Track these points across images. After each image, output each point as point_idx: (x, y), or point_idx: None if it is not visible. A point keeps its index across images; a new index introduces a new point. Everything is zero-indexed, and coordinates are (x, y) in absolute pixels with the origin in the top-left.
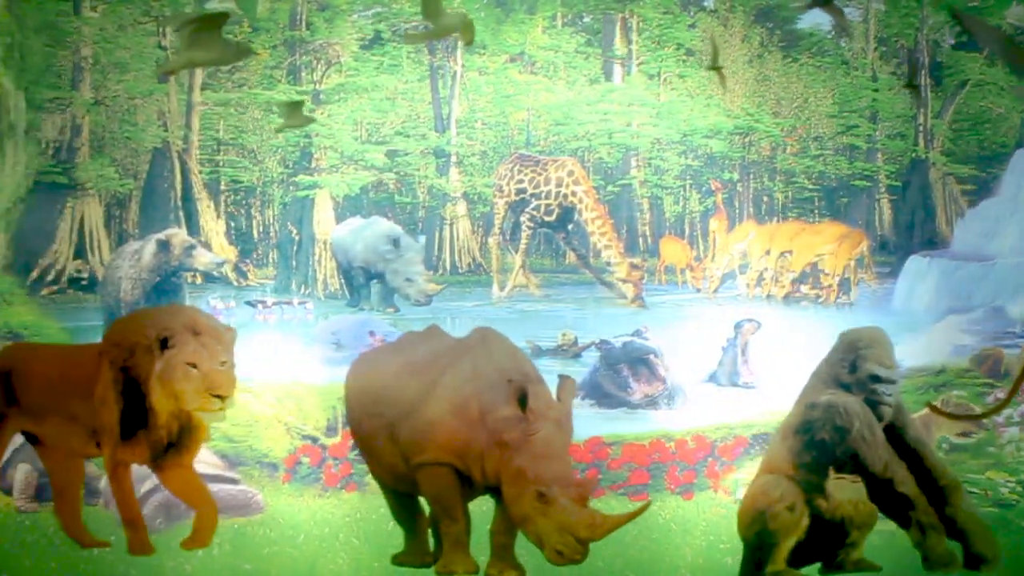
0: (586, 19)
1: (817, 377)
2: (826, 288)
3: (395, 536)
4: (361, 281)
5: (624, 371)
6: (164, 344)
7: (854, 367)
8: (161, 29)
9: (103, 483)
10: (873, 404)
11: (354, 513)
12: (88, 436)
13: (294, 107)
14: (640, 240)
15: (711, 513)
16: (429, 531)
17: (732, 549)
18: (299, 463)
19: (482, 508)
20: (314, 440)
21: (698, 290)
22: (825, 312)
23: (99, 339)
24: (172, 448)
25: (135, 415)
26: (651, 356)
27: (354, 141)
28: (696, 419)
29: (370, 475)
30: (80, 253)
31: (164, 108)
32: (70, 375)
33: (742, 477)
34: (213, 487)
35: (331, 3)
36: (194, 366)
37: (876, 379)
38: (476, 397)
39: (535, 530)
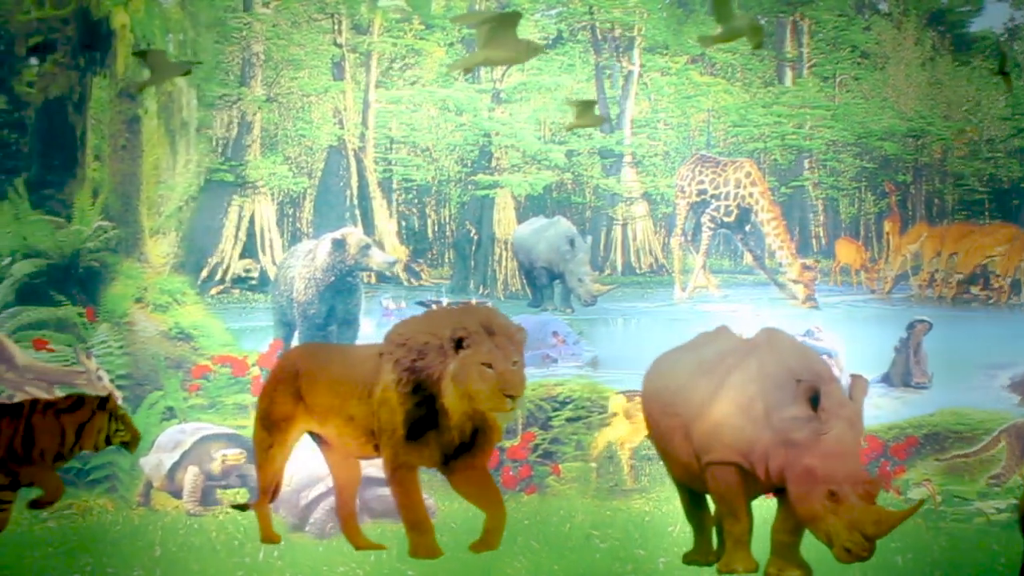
0: (760, 21)
1: None
2: (996, 289)
3: (572, 539)
4: (544, 281)
5: None
6: (459, 344)
7: None
8: (336, 26)
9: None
10: None
11: (534, 516)
12: (365, 438)
13: (587, 106)
14: (814, 241)
15: None
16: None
17: (902, 548)
18: None
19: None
20: None
21: (872, 291)
22: (996, 313)
23: (268, 340)
24: (464, 449)
25: (422, 416)
26: (824, 357)
27: (536, 140)
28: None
29: (551, 478)
30: (249, 252)
31: (339, 106)
32: (349, 376)
33: (913, 477)
34: (377, 491)
35: (512, 2)
36: (489, 366)
37: None
38: (761, 396)
39: (824, 528)
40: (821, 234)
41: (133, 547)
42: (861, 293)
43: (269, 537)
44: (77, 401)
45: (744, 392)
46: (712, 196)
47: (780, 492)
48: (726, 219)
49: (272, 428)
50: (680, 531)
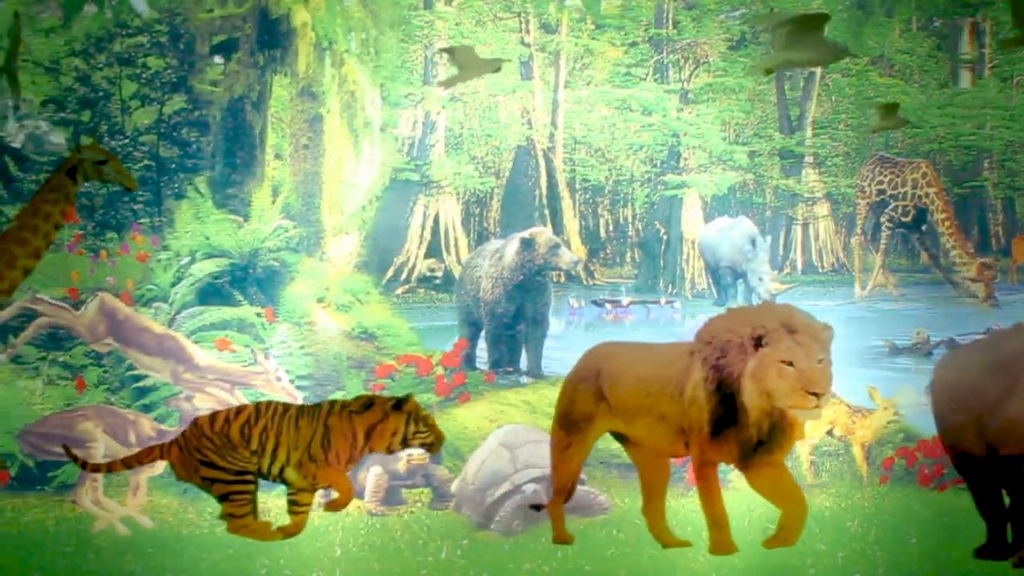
0: (936, 23)
1: None
2: None
3: (750, 534)
4: (728, 280)
5: None
6: (758, 342)
7: None
8: (523, 25)
9: None
10: None
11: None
12: (675, 435)
13: (890, 109)
14: (992, 240)
15: None
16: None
17: None
18: None
19: None
20: None
21: None
22: None
23: (453, 339)
24: (762, 446)
25: (724, 414)
26: None
27: (722, 141)
28: None
29: (732, 474)
30: (434, 251)
31: (528, 106)
32: (660, 374)
33: None
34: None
35: (699, 2)
36: (789, 364)
37: None
38: None
39: None
40: (1000, 233)
41: (312, 548)
42: None
43: (562, 537)
44: (368, 402)
45: None
46: (891, 196)
47: None
48: (904, 219)
49: (571, 428)
50: (857, 527)
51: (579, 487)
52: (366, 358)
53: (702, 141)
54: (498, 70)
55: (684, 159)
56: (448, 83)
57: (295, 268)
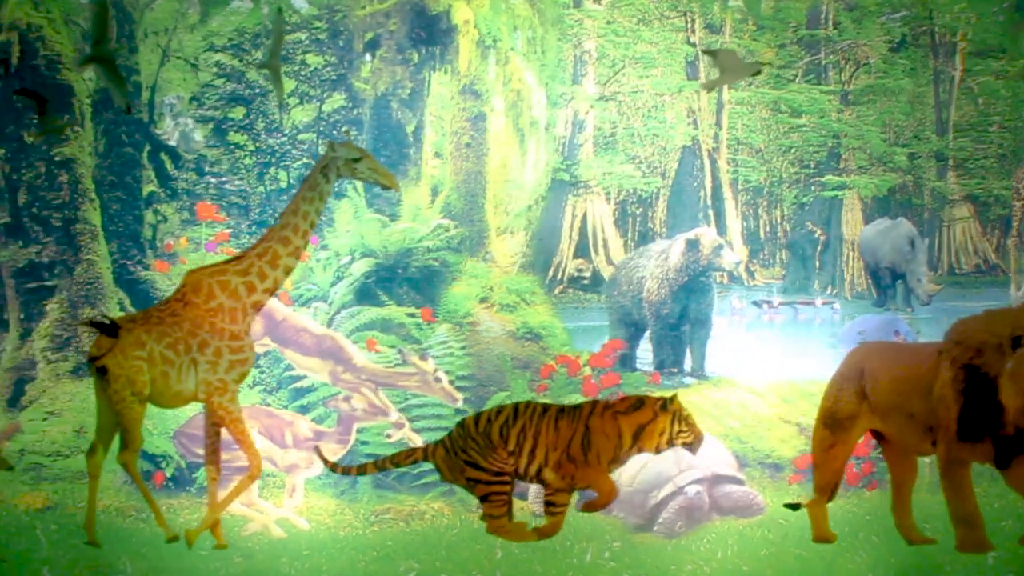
0: None
1: None
2: None
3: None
4: (888, 281)
5: None
6: (1016, 342)
7: None
8: (689, 24)
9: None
10: None
11: (875, 511)
12: (924, 434)
13: None
14: None
15: None
16: None
17: None
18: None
19: None
20: None
21: None
22: None
23: (601, 340)
24: (1021, 446)
25: (979, 413)
26: None
27: (882, 143)
28: None
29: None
30: (582, 251)
31: (693, 106)
32: (912, 373)
33: None
34: (725, 488)
35: (860, 3)
36: None
37: None
38: None
39: None
40: None
41: (471, 551)
42: None
43: (823, 536)
44: (637, 403)
45: None
46: None
47: None
48: None
49: (836, 427)
50: (1011, 526)
51: (739, 488)
52: (531, 358)
53: (862, 143)
54: (758, 73)
55: (844, 160)
56: (711, 85)
57: (456, 268)
